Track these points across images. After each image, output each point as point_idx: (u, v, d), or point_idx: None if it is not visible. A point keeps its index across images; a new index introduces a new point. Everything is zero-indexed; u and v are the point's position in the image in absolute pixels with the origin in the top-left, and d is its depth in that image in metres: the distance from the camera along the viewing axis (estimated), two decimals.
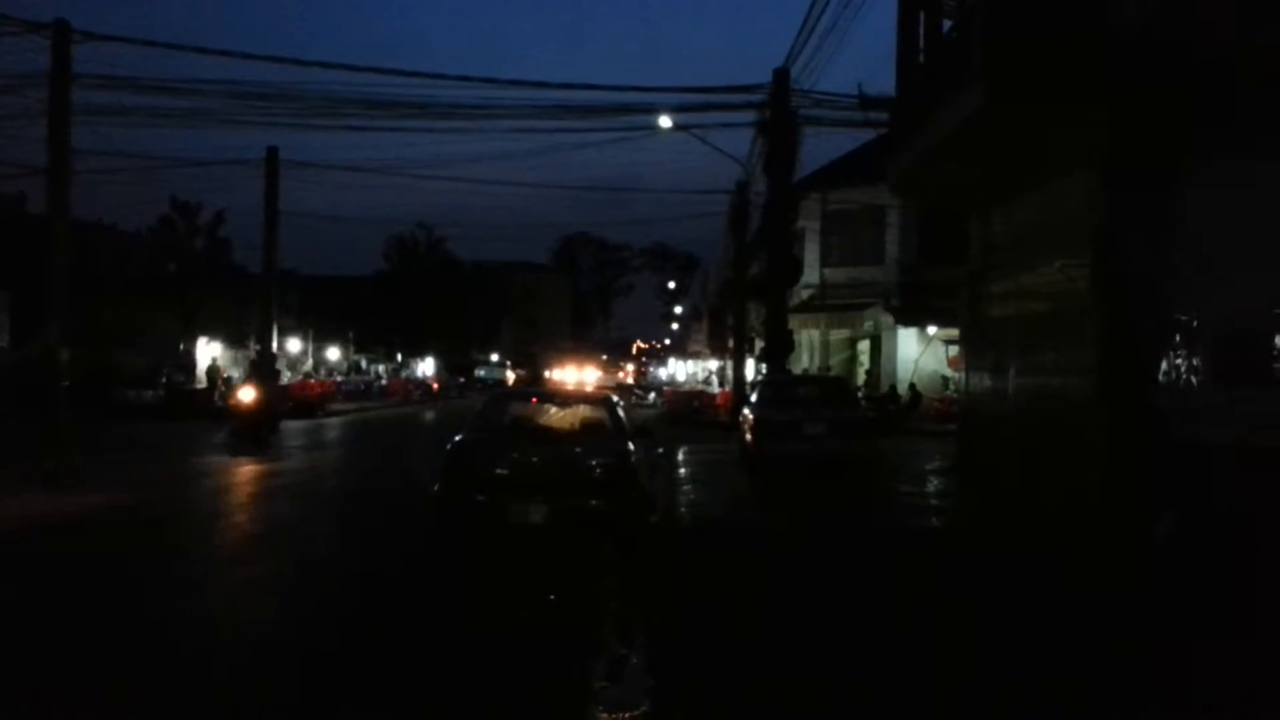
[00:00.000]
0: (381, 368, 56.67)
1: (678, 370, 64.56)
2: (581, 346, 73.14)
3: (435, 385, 48.72)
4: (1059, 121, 8.59)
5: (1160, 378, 8.11)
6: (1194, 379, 7.89)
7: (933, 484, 13.67)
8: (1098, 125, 8.29)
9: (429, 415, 32.63)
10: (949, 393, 23.16)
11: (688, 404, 31.18)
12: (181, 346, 35.57)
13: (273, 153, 31.65)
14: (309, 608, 6.65)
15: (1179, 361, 8.05)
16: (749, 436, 13.73)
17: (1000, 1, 8.42)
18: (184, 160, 32.25)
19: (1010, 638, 5.74)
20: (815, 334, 30.47)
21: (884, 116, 15.45)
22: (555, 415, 9.75)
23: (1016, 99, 8.19)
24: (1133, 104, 7.66)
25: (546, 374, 47.49)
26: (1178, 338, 8.04)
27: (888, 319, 26.77)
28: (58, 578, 7.28)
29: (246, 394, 19.31)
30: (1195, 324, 7.87)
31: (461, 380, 54.13)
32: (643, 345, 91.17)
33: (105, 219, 33.88)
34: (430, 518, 8.49)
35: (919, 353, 26.63)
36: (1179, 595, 6.19)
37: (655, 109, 20.65)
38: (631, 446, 8.67)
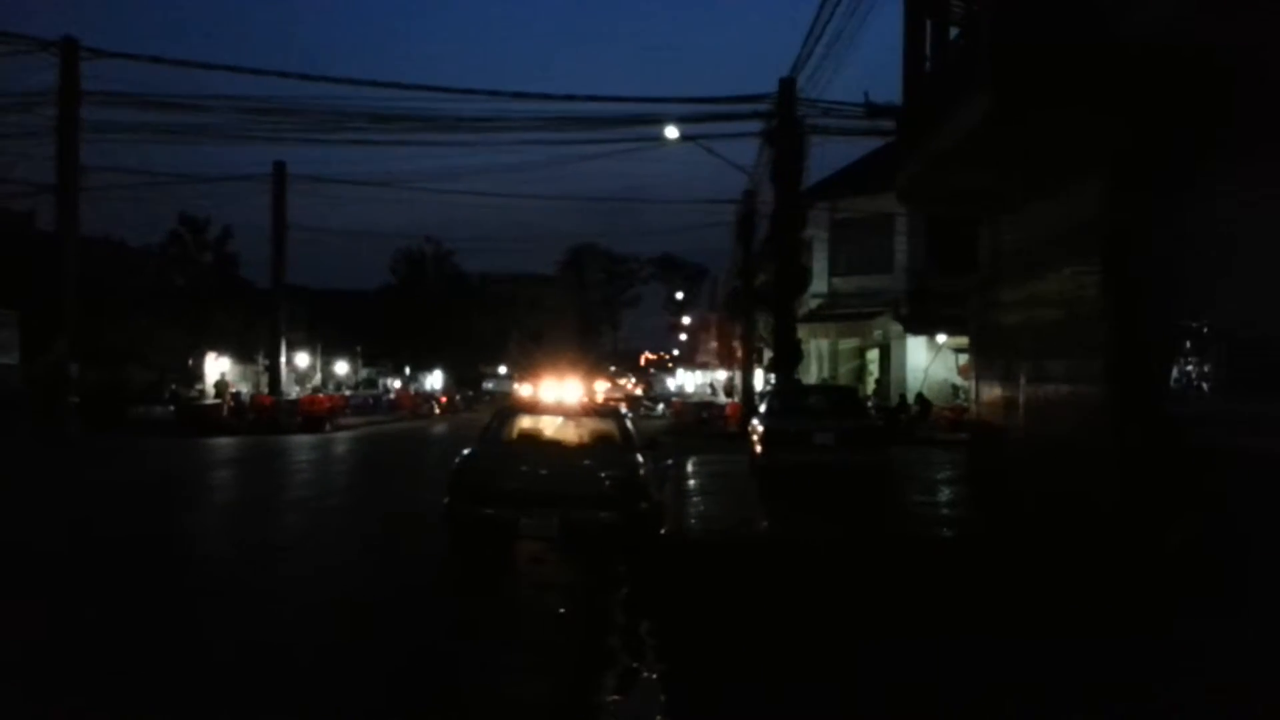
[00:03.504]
0: (391, 381, 56.78)
1: (686, 381, 64.52)
2: (589, 358, 73.09)
3: (444, 399, 48.78)
4: (1068, 128, 8.55)
5: (1172, 384, 8.05)
6: (1205, 385, 7.82)
7: (943, 493, 13.58)
8: (1107, 131, 8.27)
9: (439, 429, 32.65)
10: (959, 401, 23.06)
11: (696, 415, 31.12)
12: (190, 361, 35.67)
13: (280, 167, 31.88)
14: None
15: (1190, 368, 7.99)
16: (758, 447, 13.66)
17: (1007, 7, 8.40)
18: (192, 176, 32.50)
19: (1017, 647, 5.65)
20: (824, 343, 30.42)
21: (891, 125, 15.46)
22: (565, 428, 9.74)
23: (1025, 105, 8.16)
24: (1143, 109, 7.62)
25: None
26: (1189, 344, 7.98)
27: (897, 328, 26.71)
28: None
29: None
30: (1206, 330, 7.81)
31: (470, 393, 54.20)
32: (651, 356, 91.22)
33: (114, 235, 34.12)
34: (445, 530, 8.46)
35: (928, 361, 26.57)
36: (1193, 603, 6.11)
37: (661, 120, 20.75)
38: (641, 459, 8.65)
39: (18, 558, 8.58)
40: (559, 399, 10.36)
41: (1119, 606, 6.45)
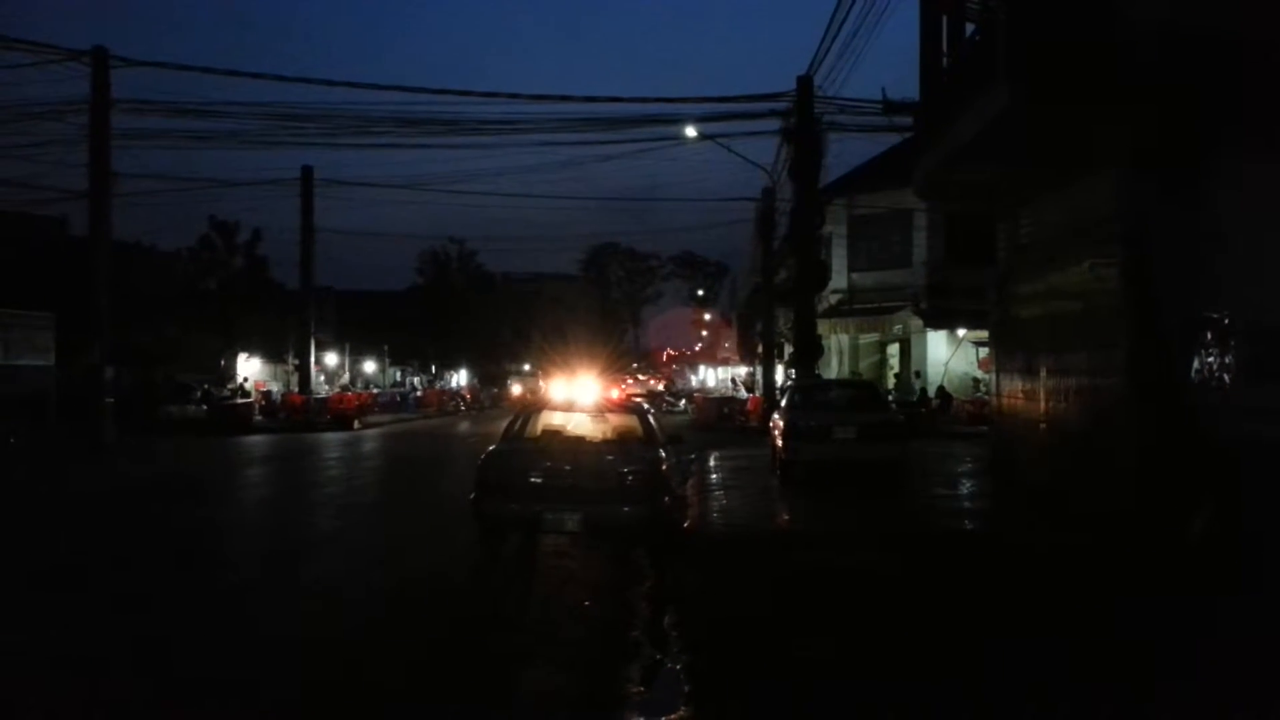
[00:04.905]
0: (417, 379, 57.26)
1: (708, 377, 64.58)
2: (612, 355, 73.25)
3: (469, 396, 49.24)
4: (1085, 120, 8.57)
5: (1192, 375, 8.06)
6: (1226, 376, 7.83)
7: (965, 486, 13.62)
8: (1124, 123, 8.27)
9: (464, 425, 32.95)
10: (980, 395, 23.01)
11: (718, 410, 31.21)
12: (222, 362, 36.27)
13: (307, 172, 32.27)
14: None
15: (1211, 359, 7.99)
16: (779, 441, 13.75)
17: (1022, 2, 8.45)
18: (221, 181, 32.84)
19: (1040, 635, 5.72)
20: (844, 338, 30.41)
21: (908, 121, 15.50)
22: (588, 424, 9.85)
23: (1041, 98, 8.19)
24: (1158, 101, 7.63)
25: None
26: (1209, 335, 7.98)
27: (917, 322, 26.66)
28: None
29: None
30: (1227, 321, 7.81)
31: (495, 390, 54.61)
32: (672, 353, 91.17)
33: (146, 239, 34.72)
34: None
35: (948, 355, 26.51)
36: (1214, 592, 6.14)
37: (680, 119, 20.88)
38: (663, 454, 8.75)
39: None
40: (581, 396, 10.46)
41: (1137, 600, 6.47)
